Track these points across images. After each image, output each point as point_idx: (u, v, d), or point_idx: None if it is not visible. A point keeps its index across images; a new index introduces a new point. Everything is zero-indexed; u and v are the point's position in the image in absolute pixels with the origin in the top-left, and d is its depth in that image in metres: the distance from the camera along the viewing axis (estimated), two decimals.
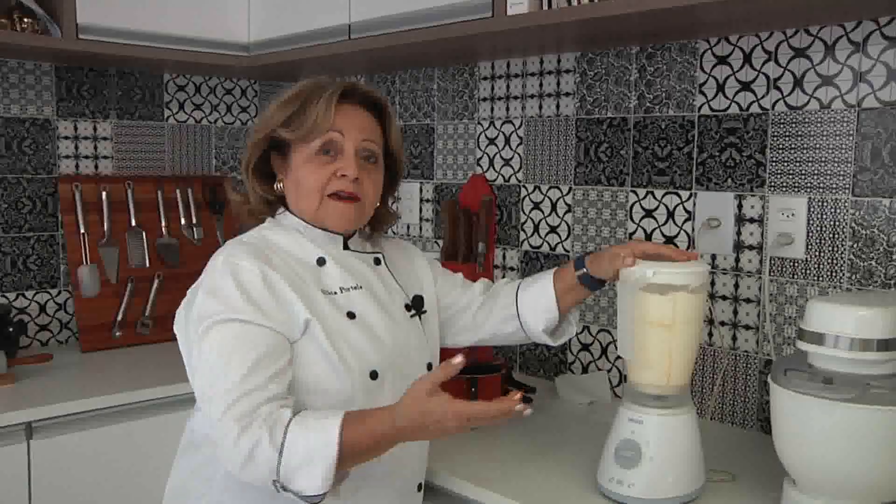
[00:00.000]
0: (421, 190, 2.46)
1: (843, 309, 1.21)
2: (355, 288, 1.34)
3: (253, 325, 1.21)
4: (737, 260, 1.77)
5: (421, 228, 2.47)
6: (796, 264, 1.68)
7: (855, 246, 1.59)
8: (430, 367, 1.41)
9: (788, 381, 1.24)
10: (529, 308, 1.48)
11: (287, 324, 1.24)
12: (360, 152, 1.34)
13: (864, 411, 1.16)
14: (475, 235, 2.09)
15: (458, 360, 1.14)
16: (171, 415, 2.01)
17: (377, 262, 1.42)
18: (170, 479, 1.42)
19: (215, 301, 1.22)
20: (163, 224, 2.55)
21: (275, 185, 1.39)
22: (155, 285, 2.49)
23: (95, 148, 2.53)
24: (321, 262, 1.34)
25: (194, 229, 2.61)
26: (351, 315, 1.30)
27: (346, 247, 1.39)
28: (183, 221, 2.59)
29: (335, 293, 1.31)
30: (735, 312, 1.78)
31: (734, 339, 1.79)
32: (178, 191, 2.60)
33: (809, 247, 1.65)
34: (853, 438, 1.17)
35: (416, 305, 1.43)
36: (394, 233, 2.55)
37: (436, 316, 1.48)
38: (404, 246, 1.55)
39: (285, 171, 1.37)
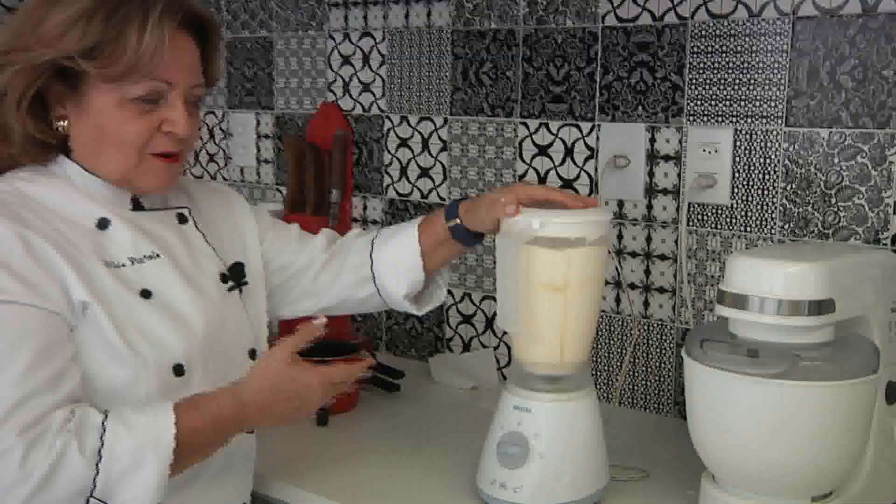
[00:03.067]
0: (258, 123, 2.42)
1: (769, 264, 1.23)
2: (151, 257, 1.29)
3: (22, 306, 1.15)
4: (649, 207, 1.79)
5: (259, 172, 2.43)
6: (720, 211, 1.70)
7: (788, 188, 1.63)
8: (253, 354, 1.39)
9: (705, 354, 1.25)
10: (388, 268, 1.48)
11: (62, 303, 1.18)
12: (188, 98, 1.29)
13: (793, 388, 1.18)
14: (327, 180, 2.09)
15: (320, 321, 1.25)
16: None
17: (181, 219, 1.38)
18: None
19: None
20: None
21: (55, 124, 1.28)
22: None
23: None
24: (103, 224, 1.27)
25: None
26: (145, 293, 1.26)
27: (137, 206, 1.33)
28: None
29: (123, 265, 1.26)
30: (647, 272, 1.80)
31: (646, 304, 1.81)
32: None
33: (735, 190, 1.69)
34: (780, 421, 1.20)
35: (234, 275, 1.40)
36: (223, 179, 2.47)
37: (262, 287, 1.46)
38: (222, 192, 1.52)
39: (77, 109, 1.27)
